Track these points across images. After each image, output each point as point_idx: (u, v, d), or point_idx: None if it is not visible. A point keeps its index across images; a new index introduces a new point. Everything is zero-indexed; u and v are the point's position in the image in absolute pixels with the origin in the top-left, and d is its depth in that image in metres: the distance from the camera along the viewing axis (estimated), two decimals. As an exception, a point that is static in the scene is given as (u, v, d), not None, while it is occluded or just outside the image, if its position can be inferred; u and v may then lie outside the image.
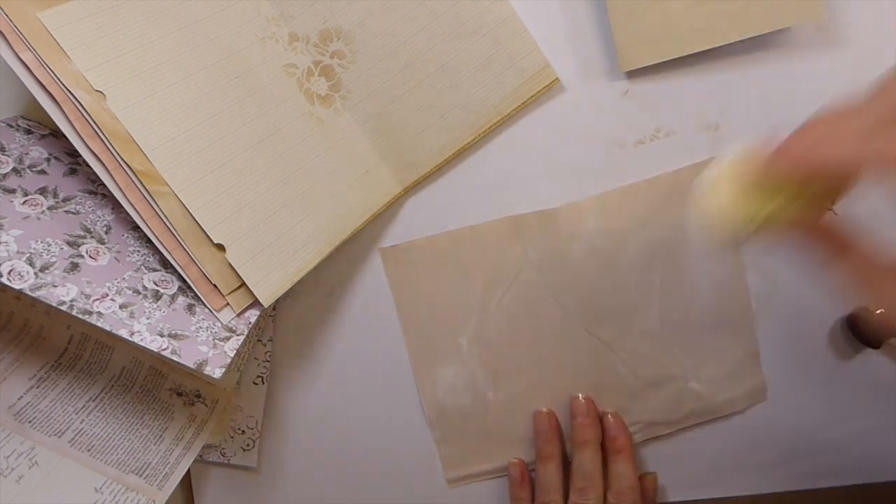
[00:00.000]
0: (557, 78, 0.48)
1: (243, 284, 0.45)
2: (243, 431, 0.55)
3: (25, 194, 0.44)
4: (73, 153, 0.49)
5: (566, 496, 0.53)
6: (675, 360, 0.53)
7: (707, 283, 0.52)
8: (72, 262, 0.42)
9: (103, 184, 0.47)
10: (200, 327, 0.43)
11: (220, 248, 0.44)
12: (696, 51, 0.46)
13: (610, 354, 0.53)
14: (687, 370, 0.53)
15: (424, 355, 0.55)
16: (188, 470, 0.51)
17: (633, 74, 0.49)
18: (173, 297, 0.44)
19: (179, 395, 0.53)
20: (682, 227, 0.51)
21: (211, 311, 0.45)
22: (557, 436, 0.54)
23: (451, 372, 0.55)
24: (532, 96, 0.48)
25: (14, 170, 0.45)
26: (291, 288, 0.46)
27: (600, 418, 0.54)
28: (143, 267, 0.45)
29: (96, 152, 0.41)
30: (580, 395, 0.54)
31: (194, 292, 0.45)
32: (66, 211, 0.45)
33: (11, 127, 0.48)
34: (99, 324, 0.40)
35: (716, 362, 0.53)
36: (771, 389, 0.54)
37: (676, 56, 0.47)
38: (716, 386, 0.53)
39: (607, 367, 0.54)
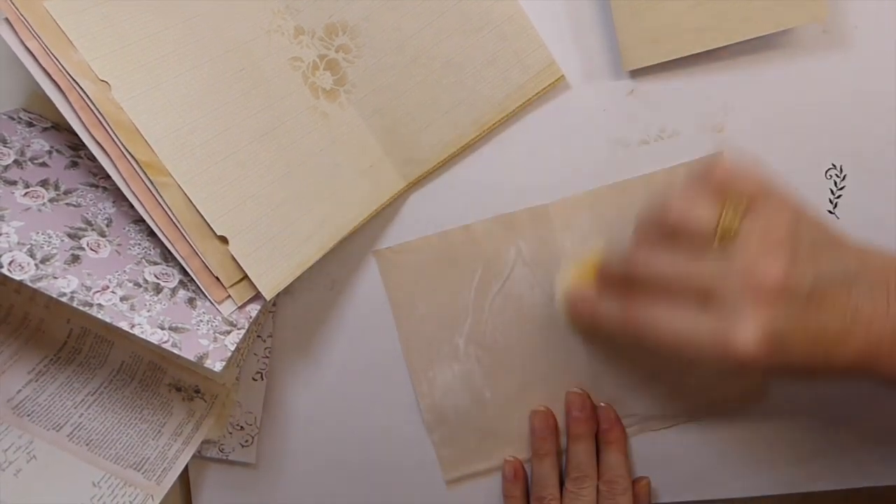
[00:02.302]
0: (563, 75, 0.48)
1: (245, 277, 0.45)
2: (242, 427, 0.55)
3: (27, 186, 0.44)
4: (75, 147, 0.49)
5: (561, 488, 0.53)
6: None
7: None
8: (72, 254, 0.42)
9: (105, 177, 0.47)
10: (201, 321, 0.43)
11: (223, 240, 0.44)
12: (699, 51, 0.46)
13: (605, 347, 0.53)
14: (683, 363, 0.53)
15: (421, 358, 0.54)
16: (186, 465, 0.51)
17: (638, 74, 0.49)
18: (174, 291, 0.44)
19: (178, 390, 0.52)
20: None
21: (212, 304, 0.44)
22: (554, 433, 0.54)
23: (449, 373, 0.54)
24: (537, 93, 0.48)
25: (15, 161, 0.45)
26: (292, 283, 0.46)
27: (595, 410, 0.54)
28: (143, 260, 0.45)
29: (100, 142, 0.41)
30: (576, 389, 0.54)
31: (196, 285, 0.45)
32: (67, 203, 0.45)
33: (13, 119, 0.48)
34: (99, 316, 0.40)
35: None
36: (770, 390, 0.53)
37: (679, 56, 0.47)
38: (712, 382, 0.53)
39: (602, 360, 0.53)
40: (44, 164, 0.46)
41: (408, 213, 0.52)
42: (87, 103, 0.41)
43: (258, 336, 0.54)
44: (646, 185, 0.50)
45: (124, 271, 0.43)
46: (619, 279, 0.44)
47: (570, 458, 0.53)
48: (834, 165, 0.49)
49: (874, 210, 0.50)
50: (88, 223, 0.45)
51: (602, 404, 0.54)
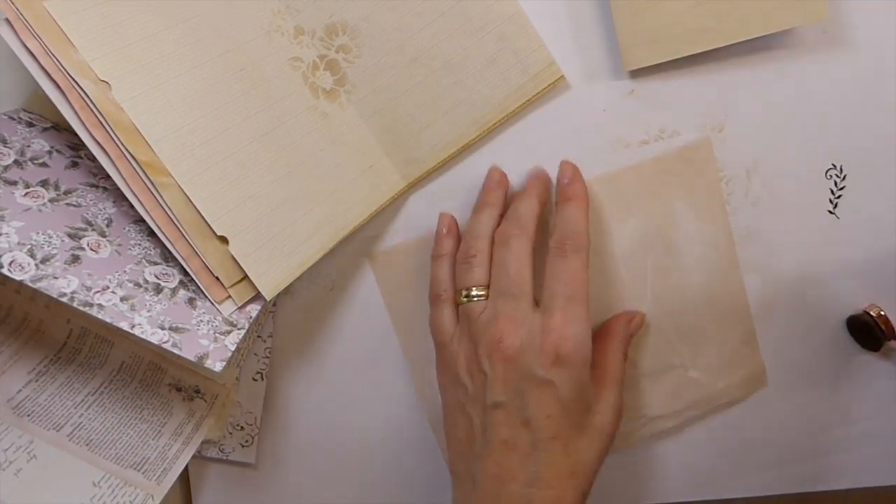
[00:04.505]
0: (563, 75, 0.48)
1: (245, 277, 0.45)
2: (242, 427, 0.55)
3: (27, 186, 0.44)
4: (75, 147, 0.49)
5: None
6: (673, 347, 0.53)
7: (699, 266, 0.52)
8: (73, 255, 0.42)
9: (105, 177, 0.47)
10: (201, 321, 0.43)
11: (223, 240, 0.44)
12: (699, 51, 0.46)
13: None
14: (685, 358, 0.53)
15: (422, 360, 0.54)
16: (186, 465, 0.51)
17: (638, 74, 0.49)
18: (174, 291, 0.44)
19: (178, 390, 0.52)
20: (671, 212, 0.51)
21: (213, 304, 0.44)
22: (503, 189, 0.49)
23: None
24: (537, 93, 0.48)
25: (16, 162, 0.45)
26: (292, 283, 0.46)
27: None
28: (144, 260, 0.45)
29: (100, 142, 0.41)
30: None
31: (196, 285, 0.44)
32: (67, 203, 0.45)
33: (13, 119, 0.48)
34: (100, 316, 0.40)
35: (713, 348, 0.53)
36: (770, 392, 0.54)
37: (679, 56, 0.47)
38: (715, 373, 0.53)
39: None
40: (44, 165, 0.46)
41: (408, 213, 0.52)
42: (87, 103, 0.41)
43: (258, 336, 0.54)
44: (636, 175, 0.50)
45: (124, 271, 0.43)
46: None
47: (508, 213, 0.48)
48: (834, 165, 0.49)
49: (874, 210, 0.50)
50: (89, 223, 0.45)
51: (562, 160, 0.49)
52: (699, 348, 0.53)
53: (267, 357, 0.54)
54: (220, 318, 0.44)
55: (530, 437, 0.43)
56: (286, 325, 0.54)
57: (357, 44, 0.48)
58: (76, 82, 0.40)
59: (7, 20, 0.40)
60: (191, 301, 0.44)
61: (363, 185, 0.49)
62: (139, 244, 0.46)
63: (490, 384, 0.43)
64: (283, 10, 0.48)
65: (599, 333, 0.49)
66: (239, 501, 0.58)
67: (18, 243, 0.40)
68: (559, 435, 0.43)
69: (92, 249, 0.43)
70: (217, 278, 0.44)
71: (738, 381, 0.54)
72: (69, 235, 0.43)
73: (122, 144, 0.41)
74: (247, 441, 0.55)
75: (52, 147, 0.48)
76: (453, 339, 0.47)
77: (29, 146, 0.47)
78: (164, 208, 0.43)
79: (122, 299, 0.41)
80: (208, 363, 0.41)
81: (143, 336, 0.40)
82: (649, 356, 0.53)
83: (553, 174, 0.50)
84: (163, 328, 0.41)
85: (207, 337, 0.42)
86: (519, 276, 0.44)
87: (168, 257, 0.46)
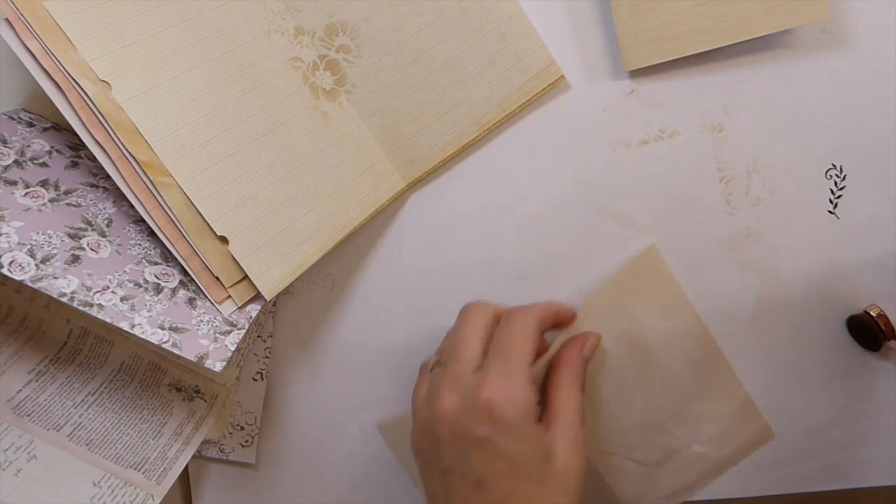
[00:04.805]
0: (563, 76, 0.48)
1: (245, 277, 0.45)
2: (242, 427, 0.55)
3: (27, 186, 0.44)
4: (75, 147, 0.49)
5: None
6: (671, 434, 0.53)
7: (680, 360, 0.52)
8: (73, 255, 0.42)
9: (105, 177, 0.47)
10: (201, 321, 0.43)
11: (223, 240, 0.44)
12: (699, 51, 0.46)
13: (609, 459, 0.53)
14: (685, 438, 0.53)
15: None
16: (186, 465, 0.51)
17: (638, 74, 0.49)
18: (174, 291, 0.44)
19: (178, 390, 0.52)
20: (636, 323, 0.51)
21: (212, 304, 0.44)
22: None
23: None
24: (537, 94, 0.48)
25: (16, 162, 0.45)
26: (292, 283, 0.46)
27: None
28: (144, 260, 0.45)
29: (100, 142, 0.41)
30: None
31: (196, 285, 0.44)
32: (67, 203, 0.45)
33: (13, 119, 0.48)
34: (100, 316, 0.40)
35: (711, 423, 0.53)
36: (770, 391, 0.53)
37: (679, 56, 0.47)
38: (719, 442, 0.54)
39: (611, 471, 0.53)
40: (44, 165, 0.46)
41: (408, 213, 0.52)
42: (87, 103, 0.41)
43: (258, 336, 0.54)
44: (594, 305, 0.50)
45: (124, 271, 0.43)
46: None
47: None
48: (834, 165, 0.49)
49: (874, 210, 0.50)
50: (89, 223, 0.45)
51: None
52: (697, 426, 0.53)
53: (267, 357, 0.54)
54: (220, 318, 0.44)
55: (484, 499, 0.41)
56: (286, 324, 0.54)
57: (357, 44, 0.48)
58: (76, 82, 0.40)
59: (7, 20, 0.40)
60: (191, 301, 0.44)
61: (363, 185, 0.49)
62: (139, 244, 0.46)
63: (439, 450, 0.43)
64: (283, 9, 0.48)
65: (551, 367, 0.48)
66: (239, 501, 0.58)
67: (18, 243, 0.40)
68: (514, 494, 0.41)
69: (92, 249, 0.43)
70: (217, 278, 0.44)
71: (745, 442, 0.54)
72: (69, 235, 0.43)
73: (122, 144, 0.41)
74: (247, 441, 0.55)
75: (52, 147, 0.48)
76: (420, 407, 0.46)
77: (29, 146, 0.47)
78: (164, 208, 0.43)
79: (122, 299, 0.41)
80: (208, 363, 0.41)
81: (143, 336, 0.40)
82: (650, 449, 0.53)
83: (552, 169, 0.51)
84: (163, 328, 0.41)
85: (207, 337, 0.42)
86: (464, 345, 0.45)
87: (168, 257, 0.46)
